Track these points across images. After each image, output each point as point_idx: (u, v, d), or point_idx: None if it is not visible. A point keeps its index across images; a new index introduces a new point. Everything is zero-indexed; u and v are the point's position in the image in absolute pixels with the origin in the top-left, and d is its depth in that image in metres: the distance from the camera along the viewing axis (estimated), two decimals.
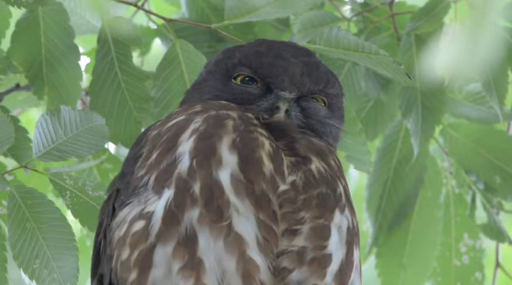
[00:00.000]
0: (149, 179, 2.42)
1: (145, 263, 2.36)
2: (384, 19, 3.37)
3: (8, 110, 3.08)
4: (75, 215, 2.87)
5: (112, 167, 3.33)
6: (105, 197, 2.59)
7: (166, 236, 2.35)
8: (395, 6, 3.36)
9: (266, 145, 2.44)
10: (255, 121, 2.49)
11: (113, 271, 2.43)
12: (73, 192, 2.87)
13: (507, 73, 3.27)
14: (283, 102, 2.56)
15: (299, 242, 2.39)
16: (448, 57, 2.73)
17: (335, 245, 2.43)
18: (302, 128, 2.56)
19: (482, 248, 3.47)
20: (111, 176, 3.29)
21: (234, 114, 2.48)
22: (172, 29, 3.14)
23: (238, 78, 2.62)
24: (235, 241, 2.35)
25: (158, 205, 2.38)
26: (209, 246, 2.35)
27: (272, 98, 2.58)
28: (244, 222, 2.36)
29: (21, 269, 2.80)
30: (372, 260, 3.50)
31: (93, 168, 3.34)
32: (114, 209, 2.49)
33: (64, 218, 2.83)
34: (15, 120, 3.05)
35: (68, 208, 2.88)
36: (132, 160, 2.50)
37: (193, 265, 2.34)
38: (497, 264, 3.52)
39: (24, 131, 3.07)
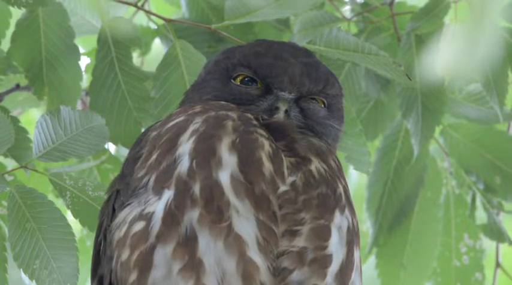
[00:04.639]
0: (149, 180, 2.42)
1: (145, 264, 2.36)
2: (384, 19, 3.37)
3: (8, 110, 3.07)
4: (75, 216, 2.87)
5: (112, 168, 3.33)
6: (105, 197, 2.59)
7: (166, 237, 2.36)
8: (396, 6, 3.36)
9: (266, 145, 2.44)
10: (255, 122, 2.49)
11: (113, 272, 2.43)
12: (73, 192, 2.87)
13: (507, 74, 3.27)
14: (283, 103, 2.56)
15: (299, 242, 2.39)
16: (448, 57, 2.73)
17: (335, 246, 2.43)
18: (301, 128, 2.56)
19: (482, 248, 3.47)
20: (111, 176, 3.29)
21: (233, 115, 2.48)
22: (172, 29, 3.14)
23: (238, 79, 2.62)
24: (235, 242, 2.35)
25: (158, 206, 2.38)
26: (209, 247, 2.35)
27: (272, 98, 2.57)
28: (244, 223, 2.37)
29: (21, 269, 2.80)
30: (372, 260, 3.50)
31: (93, 168, 3.34)
32: (114, 210, 2.49)
33: (64, 219, 2.83)
34: (15, 120, 3.05)
35: (68, 208, 2.88)
36: (131, 161, 2.50)
37: (194, 266, 2.34)
38: (498, 265, 3.52)
39: (24, 131, 3.06)
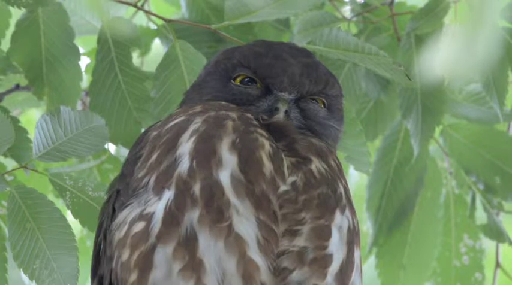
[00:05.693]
0: (149, 180, 2.42)
1: (145, 264, 2.36)
2: (384, 19, 3.37)
3: (8, 110, 3.07)
4: (75, 216, 2.87)
5: (112, 168, 3.33)
6: (105, 198, 2.59)
7: (166, 237, 2.36)
8: (396, 6, 3.36)
9: (266, 145, 2.44)
10: (255, 122, 2.49)
11: (113, 272, 2.43)
12: (73, 192, 2.87)
13: (507, 73, 3.27)
14: (283, 103, 2.56)
15: (299, 242, 2.39)
16: (448, 57, 2.73)
17: (336, 246, 2.43)
18: (301, 129, 2.56)
19: (482, 248, 3.47)
20: (111, 176, 3.29)
21: (233, 115, 2.48)
22: (172, 29, 3.14)
23: (238, 79, 2.62)
24: (235, 242, 2.35)
25: (158, 206, 2.38)
26: (209, 247, 2.35)
27: (271, 99, 2.58)
28: (245, 223, 2.37)
29: (21, 270, 2.80)
30: (372, 260, 3.50)
31: (93, 168, 3.34)
32: (114, 210, 2.49)
33: (64, 219, 2.83)
34: (15, 120, 3.05)
35: (68, 208, 2.88)
36: (132, 161, 2.50)
37: (194, 266, 2.34)
38: (497, 265, 3.52)
39: (24, 131, 3.06)
